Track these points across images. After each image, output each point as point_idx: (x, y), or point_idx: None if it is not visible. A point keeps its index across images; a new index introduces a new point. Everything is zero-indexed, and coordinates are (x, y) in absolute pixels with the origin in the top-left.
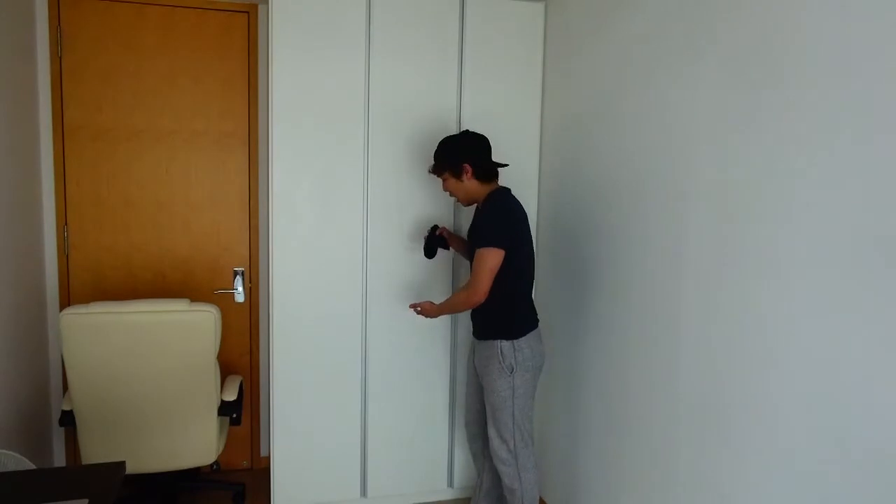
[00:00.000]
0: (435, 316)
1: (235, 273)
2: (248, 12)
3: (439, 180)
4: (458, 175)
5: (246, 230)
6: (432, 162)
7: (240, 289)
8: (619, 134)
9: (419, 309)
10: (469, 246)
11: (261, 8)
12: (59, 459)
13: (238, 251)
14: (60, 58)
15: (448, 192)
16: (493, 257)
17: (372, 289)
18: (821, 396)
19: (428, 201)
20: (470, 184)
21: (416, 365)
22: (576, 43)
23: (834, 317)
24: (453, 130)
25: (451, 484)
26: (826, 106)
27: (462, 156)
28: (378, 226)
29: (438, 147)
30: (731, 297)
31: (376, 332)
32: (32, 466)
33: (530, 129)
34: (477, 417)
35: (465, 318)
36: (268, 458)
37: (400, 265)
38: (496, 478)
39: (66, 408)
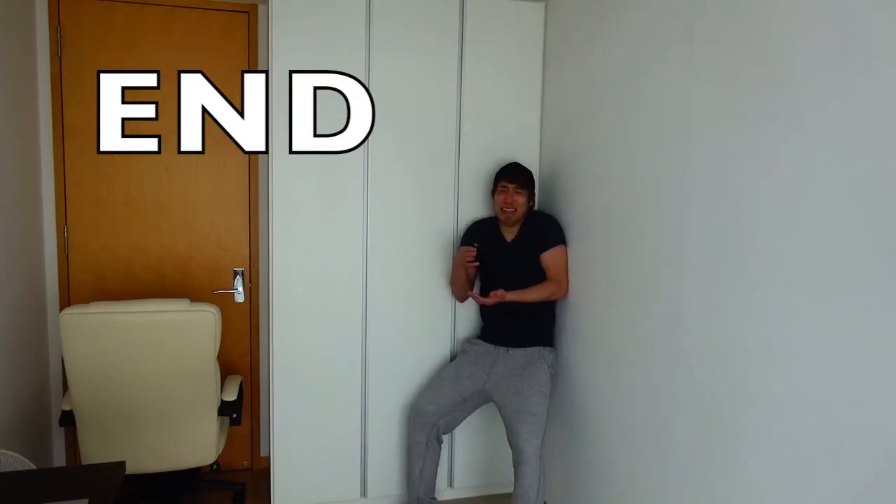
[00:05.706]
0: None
1: (235, 273)
2: (248, 12)
3: (439, 180)
4: (532, 197)
5: (246, 230)
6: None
7: (240, 289)
8: (619, 133)
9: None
10: (513, 258)
11: (261, 8)
12: (59, 459)
13: (238, 251)
14: (60, 58)
15: (509, 205)
16: (567, 254)
17: (372, 288)
18: (821, 396)
19: (428, 201)
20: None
21: (416, 365)
22: (576, 43)
23: (834, 316)
24: (453, 130)
25: (451, 484)
26: (827, 104)
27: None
28: (378, 226)
29: (526, 171)
30: (732, 297)
31: (376, 332)
32: (32, 466)
33: (530, 129)
34: (445, 413)
35: (464, 319)
36: (268, 458)
37: (400, 265)
38: (435, 465)
39: (66, 408)
